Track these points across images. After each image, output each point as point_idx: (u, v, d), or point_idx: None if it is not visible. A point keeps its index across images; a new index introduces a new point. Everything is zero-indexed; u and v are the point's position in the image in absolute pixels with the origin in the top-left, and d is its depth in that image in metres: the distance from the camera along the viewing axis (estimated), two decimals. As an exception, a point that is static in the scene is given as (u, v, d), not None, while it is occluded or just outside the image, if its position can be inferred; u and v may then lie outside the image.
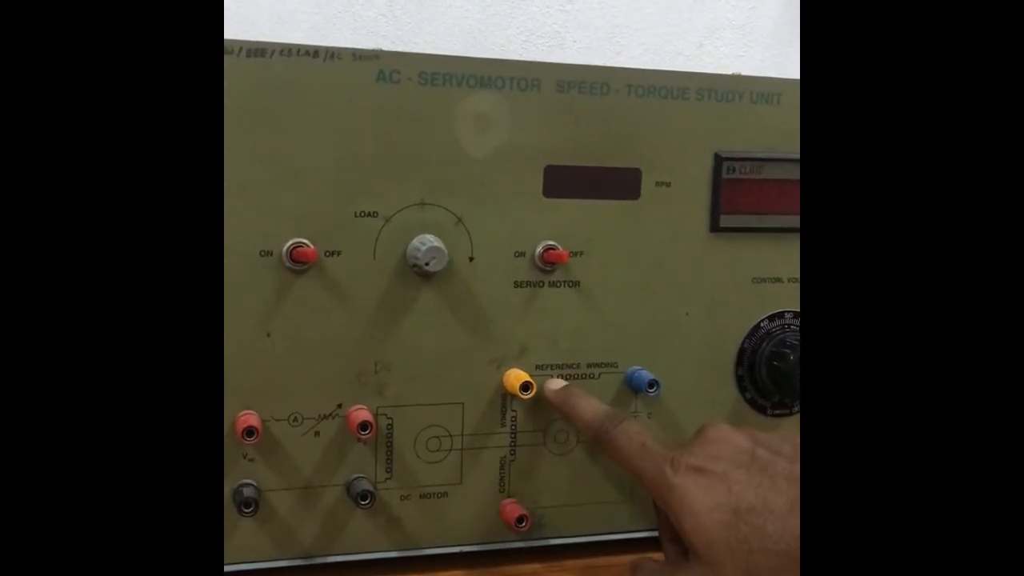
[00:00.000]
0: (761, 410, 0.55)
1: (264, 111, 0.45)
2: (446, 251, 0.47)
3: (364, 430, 0.46)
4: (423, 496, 0.50)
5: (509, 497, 0.52)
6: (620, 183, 0.50)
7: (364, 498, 0.47)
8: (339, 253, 0.47)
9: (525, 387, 0.49)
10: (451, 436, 0.50)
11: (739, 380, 0.55)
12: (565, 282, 0.51)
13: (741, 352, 0.54)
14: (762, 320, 0.54)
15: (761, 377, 0.54)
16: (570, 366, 0.52)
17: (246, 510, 0.46)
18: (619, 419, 0.45)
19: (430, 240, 0.47)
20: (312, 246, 0.46)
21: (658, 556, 0.45)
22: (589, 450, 0.53)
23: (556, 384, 0.50)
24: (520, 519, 0.50)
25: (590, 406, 0.48)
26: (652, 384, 0.51)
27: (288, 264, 0.46)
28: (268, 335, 0.46)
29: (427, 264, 0.46)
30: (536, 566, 0.52)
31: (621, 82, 0.50)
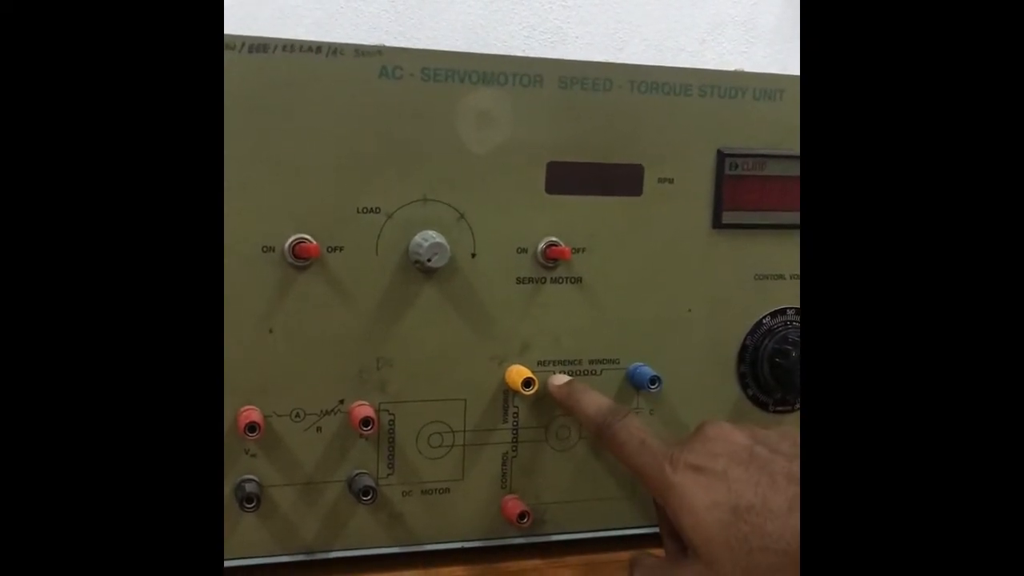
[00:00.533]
0: (763, 407, 0.55)
1: (266, 107, 0.45)
2: (448, 247, 0.47)
3: (366, 426, 0.46)
4: (425, 492, 0.50)
5: (511, 493, 0.52)
6: (623, 179, 0.50)
7: (366, 494, 0.47)
8: (341, 249, 0.47)
9: (527, 383, 0.48)
10: (453, 432, 0.50)
11: (741, 377, 0.55)
12: (567, 278, 0.50)
13: (743, 349, 0.54)
14: (764, 317, 0.54)
15: (763, 374, 0.54)
16: (572, 362, 0.51)
17: (248, 506, 0.46)
18: (621, 414, 0.46)
19: (432, 236, 0.47)
20: (314, 242, 0.46)
21: (658, 552, 0.45)
22: (591, 445, 0.53)
23: (559, 379, 0.50)
24: (522, 515, 0.50)
25: (593, 401, 0.48)
26: (654, 380, 0.51)
27: (290, 260, 0.46)
28: (270, 331, 0.46)
29: (429, 260, 0.46)
30: (538, 562, 0.52)
31: (624, 78, 0.49)
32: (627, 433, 0.44)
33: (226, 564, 0.47)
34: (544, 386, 0.50)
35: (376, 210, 0.47)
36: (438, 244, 0.46)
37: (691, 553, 0.41)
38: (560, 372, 0.51)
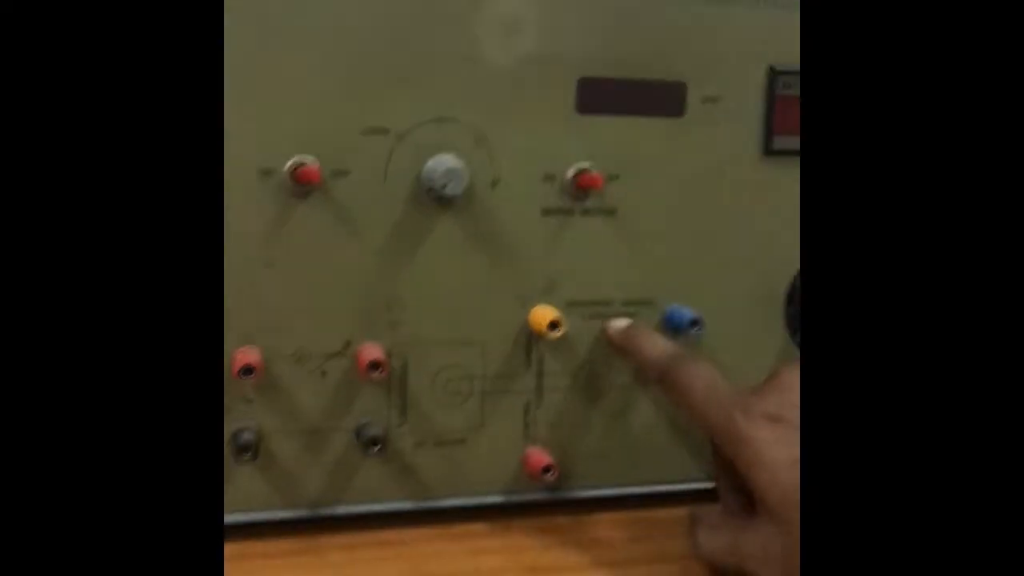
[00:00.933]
0: (813, 353, 0.51)
1: (261, 11, 0.40)
2: (466, 173, 0.42)
3: (375, 369, 0.42)
4: (440, 443, 0.46)
5: (534, 445, 0.48)
6: (663, 98, 0.46)
7: (374, 444, 0.44)
8: (347, 174, 0.42)
9: (553, 325, 0.44)
10: (471, 378, 0.46)
11: (790, 320, 0.50)
12: (599, 210, 0.46)
13: (793, 289, 0.50)
14: (817, 254, 0.49)
15: (814, 317, 0.50)
16: (603, 303, 0.47)
17: (244, 456, 0.42)
18: (688, 359, 0.42)
19: (448, 161, 0.42)
20: (316, 165, 0.41)
21: (714, 508, 0.42)
22: (652, 390, 0.49)
23: (621, 323, 0.47)
24: (546, 469, 0.46)
25: (657, 344, 0.44)
26: (695, 323, 0.47)
27: (290, 185, 0.41)
28: (269, 264, 0.42)
29: (444, 187, 0.42)
30: (563, 520, 0.48)
31: None
32: (694, 378, 0.41)
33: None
34: (571, 329, 0.46)
35: (385, 130, 0.43)
36: (453, 170, 0.42)
37: (761, 511, 0.38)
38: (590, 313, 0.47)
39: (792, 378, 0.39)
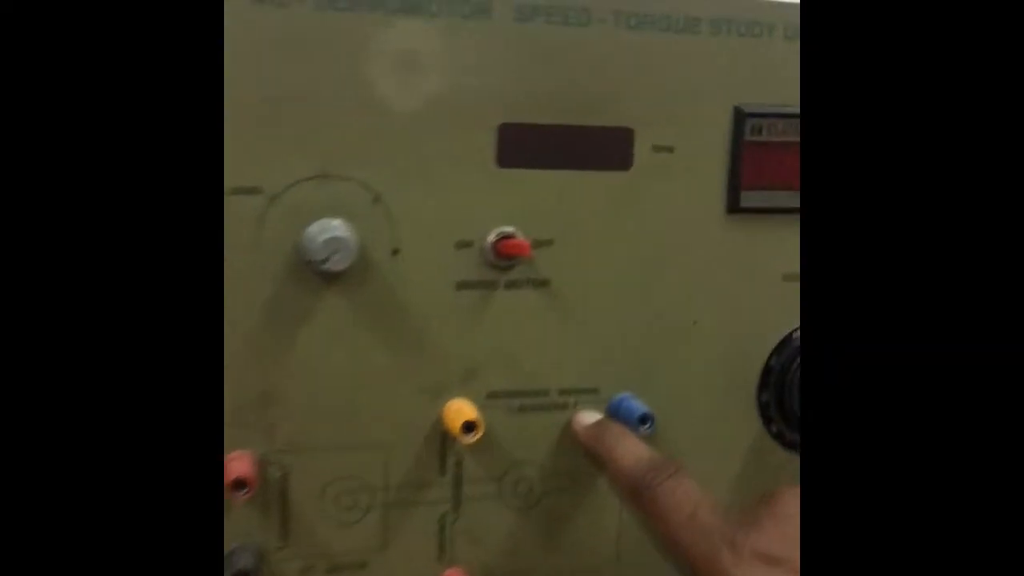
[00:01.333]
0: (792, 447, 0.45)
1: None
2: (354, 242, 0.35)
3: (240, 489, 0.35)
4: (332, 569, 0.39)
5: (451, 567, 0.41)
6: (605, 148, 0.40)
7: (245, 577, 0.36)
8: None
9: (468, 428, 0.37)
10: (371, 489, 0.39)
11: (763, 408, 0.44)
12: (528, 281, 0.40)
13: (767, 372, 0.44)
14: (795, 330, 0.44)
15: (792, 404, 0.44)
16: (535, 394, 0.41)
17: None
18: (667, 472, 0.37)
19: (332, 227, 0.35)
20: (165, 235, 0.34)
21: None
22: (624, 504, 0.42)
23: (589, 418, 0.41)
24: (463, 600, 0.38)
25: (631, 450, 0.38)
26: (644, 419, 0.40)
27: (131, 260, 0.34)
28: (111, 356, 0.35)
29: (326, 261, 0.35)
30: (487, 656, 0.41)
31: (607, 8, 0.38)
32: (672, 499, 0.36)
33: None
34: (495, 425, 0.39)
35: (255, 190, 0.36)
36: (337, 239, 0.35)
37: None
38: (518, 406, 0.40)
39: (793, 504, 0.34)
